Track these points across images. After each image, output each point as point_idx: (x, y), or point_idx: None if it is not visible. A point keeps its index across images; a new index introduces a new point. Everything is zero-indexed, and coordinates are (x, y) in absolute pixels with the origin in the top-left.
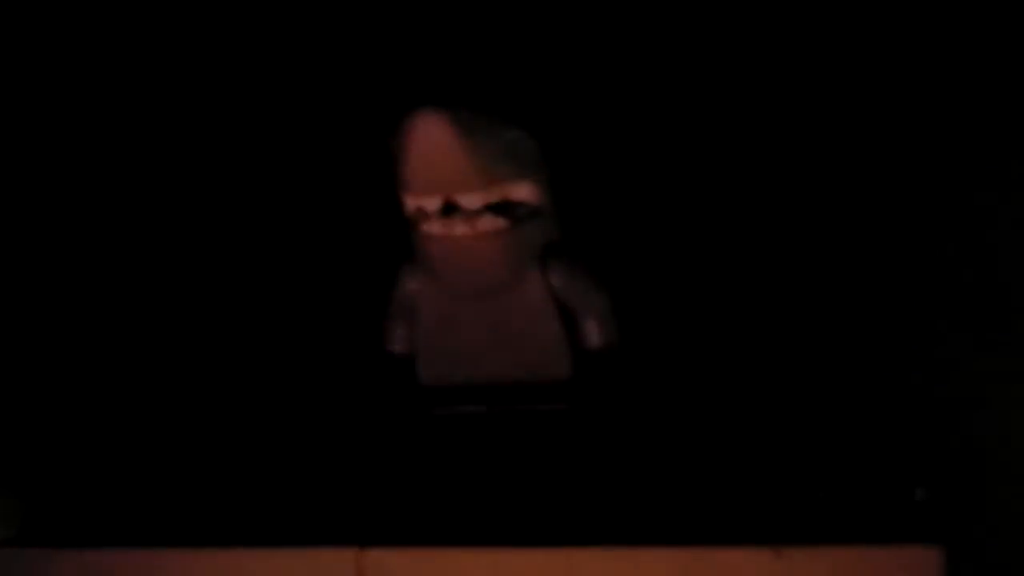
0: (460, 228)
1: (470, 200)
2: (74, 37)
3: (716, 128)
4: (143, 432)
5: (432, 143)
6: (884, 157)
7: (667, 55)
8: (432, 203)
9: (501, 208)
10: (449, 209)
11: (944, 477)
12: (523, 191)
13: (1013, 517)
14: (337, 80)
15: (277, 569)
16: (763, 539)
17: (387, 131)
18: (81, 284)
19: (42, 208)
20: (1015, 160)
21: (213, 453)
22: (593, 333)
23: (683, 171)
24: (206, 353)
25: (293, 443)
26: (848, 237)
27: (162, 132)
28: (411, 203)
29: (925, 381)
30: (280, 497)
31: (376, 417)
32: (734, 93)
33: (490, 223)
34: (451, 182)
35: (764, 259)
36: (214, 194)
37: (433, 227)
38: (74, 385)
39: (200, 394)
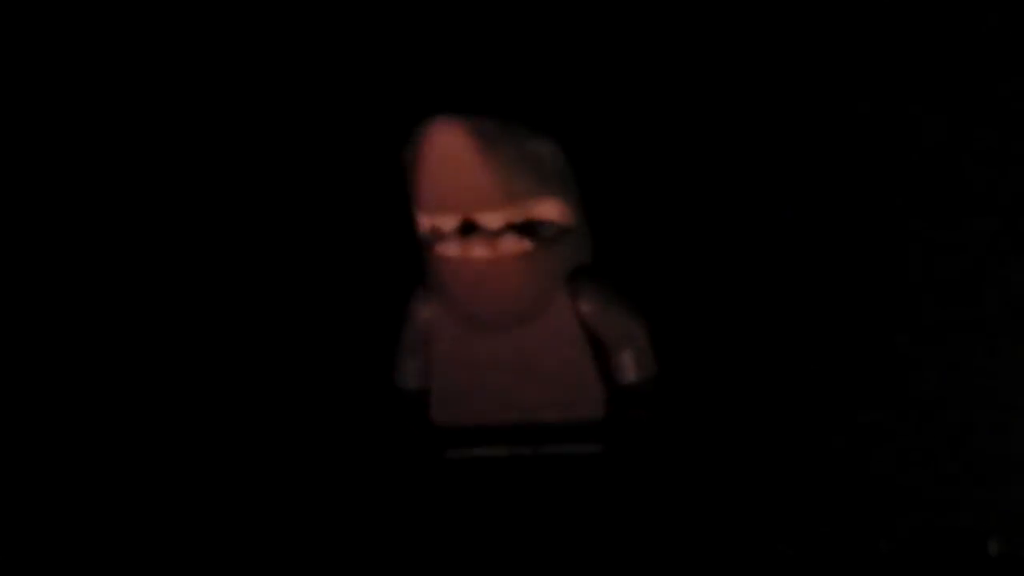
0: (479, 250)
1: (490, 219)
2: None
3: (768, 135)
4: (134, 464)
5: (448, 155)
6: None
7: (709, 55)
8: (448, 222)
9: (525, 228)
10: (467, 229)
11: (1020, 528)
12: (549, 208)
13: None
14: (342, 85)
15: None
16: None
17: (397, 142)
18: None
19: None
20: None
21: (208, 498)
22: (628, 367)
23: (729, 185)
24: (199, 396)
25: (292, 489)
26: (903, 260)
27: (163, 139)
28: (425, 222)
29: (994, 427)
30: (279, 550)
31: (384, 461)
32: (786, 98)
33: (513, 244)
34: (469, 199)
35: (822, 284)
36: (207, 219)
37: (449, 249)
38: (55, 447)
39: (192, 440)
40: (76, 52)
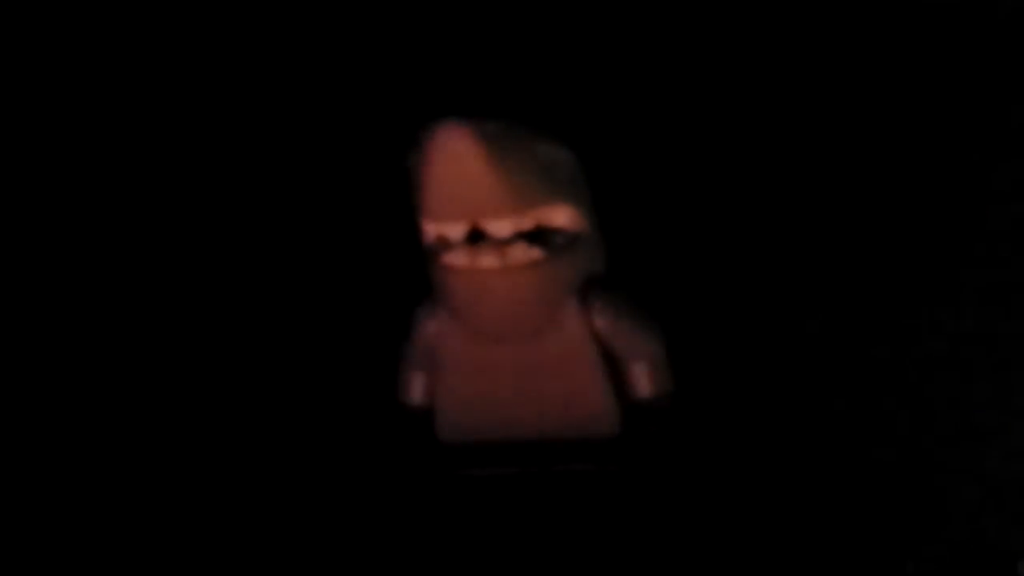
0: (487, 259)
1: (499, 227)
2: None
3: (789, 142)
4: (132, 482)
5: (455, 160)
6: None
7: (727, 56)
8: (455, 230)
9: (535, 236)
10: (475, 237)
11: None
12: (560, 216)
13: None
14: (344, 87)
15: None
16: None
17: (402, 146)
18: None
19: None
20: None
21: (210, 513)
22: (644, 382)
23: (748, 193)
24: (200, 408)
25: (294, 506)
26: (926, 271)
27: (166, 145)
28: (431, 231)
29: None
30: (281, 567)
31: (389, 480)
32: (807, 109)
33: (522, 253)
34: (477, 206)
35: (842, 299)
36: (208, 227)
37: (456, 258)
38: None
39: (193, 452)
40: (76, 52)
